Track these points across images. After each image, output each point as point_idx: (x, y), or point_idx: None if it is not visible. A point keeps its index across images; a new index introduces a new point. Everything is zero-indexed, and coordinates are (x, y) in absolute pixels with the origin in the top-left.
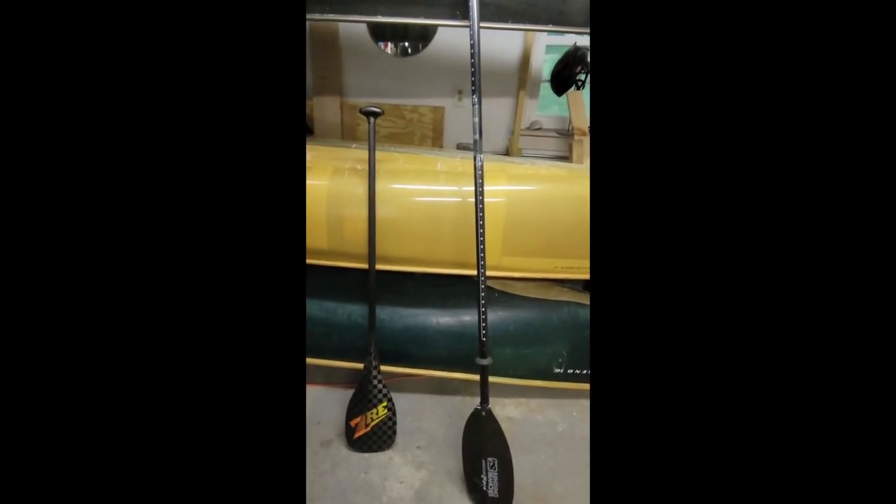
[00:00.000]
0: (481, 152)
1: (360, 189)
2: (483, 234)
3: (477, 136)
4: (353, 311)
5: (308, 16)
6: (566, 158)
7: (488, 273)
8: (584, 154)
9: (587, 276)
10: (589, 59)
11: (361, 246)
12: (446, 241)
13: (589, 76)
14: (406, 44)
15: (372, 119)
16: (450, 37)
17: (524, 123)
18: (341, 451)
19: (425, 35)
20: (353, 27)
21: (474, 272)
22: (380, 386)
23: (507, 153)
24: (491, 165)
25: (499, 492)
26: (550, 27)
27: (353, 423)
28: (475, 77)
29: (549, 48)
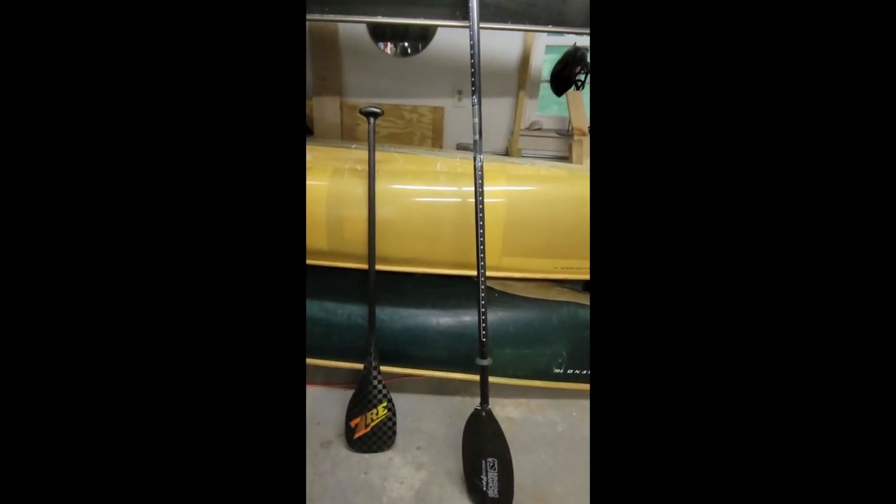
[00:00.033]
0: (481, 153)
1: (360, 189)
2: (483, 235)
3: (477, 137)
4: (352, 312)
5: (308, 16)
6: (566, 159)
7: (488, 273)
8: (584, 154)
9: (587, 277)
10: (588, 60)
11: (361, 246)
12: (446, 241)
13: (588, 76)
14: (406, 44)
15: (372, 119)
16: (450, 37)
17: (524, 124)
18: (341, 451)
19: (425, 35)
20: (353, 27)
21: (474, 272)
22: (380, 386)
23: (507, 153)
24: (491, 166)
25: (499, 492)
26: (550, 28)
27: (353, 423)
28: (475, 77)
29: (549, 48)
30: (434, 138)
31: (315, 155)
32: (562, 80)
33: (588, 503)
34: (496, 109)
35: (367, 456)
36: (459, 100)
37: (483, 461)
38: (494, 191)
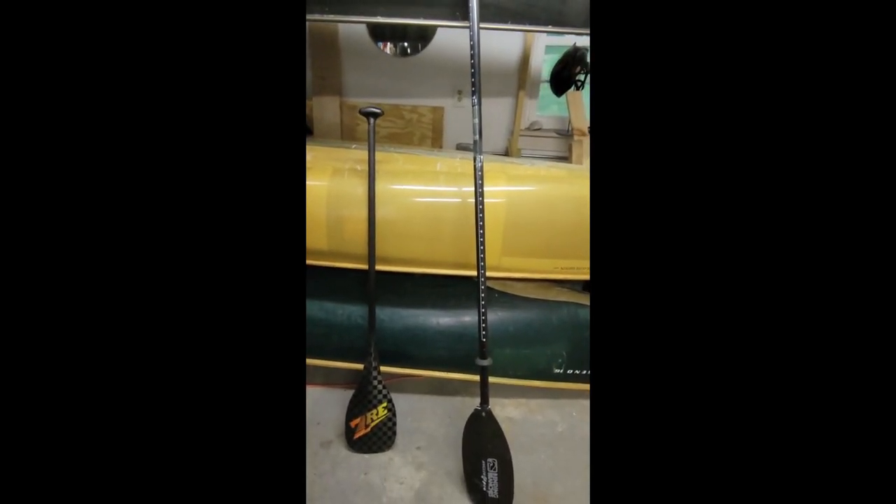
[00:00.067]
0: (481, 153)
1: (360, 190)
2: (483, 235)
3: (477, 137)
4: (352, 312)
5: (308, 16)
6: (565, 159)
7: (488, 273)
8: (584, 154)
9: (587, 277)
10: (588, 60)
11: (361, 246)
12: (446, 241)
13: (588, 76)
14: (405, 44)
15: (371, 119)
16: (450, 37)
17: (524, 124)
18: (341, 451)
19: (425, 35)
20: (353, 27)
21: (474, 273)
22: (380, 387)
23: (507, 153)
24: (491, 166)
25: (499, 492)
26: (550, 28)
27: (352, 423)
28: (475, 78)
29: (549, 48)
30: (434, 138)
31: (315, 155)
32: (562, 80)
33: (588, 503)
34: (496, 109)
35: (367, 456)
36: (459, 100)
37: (483, 461)
38: (494, 191)
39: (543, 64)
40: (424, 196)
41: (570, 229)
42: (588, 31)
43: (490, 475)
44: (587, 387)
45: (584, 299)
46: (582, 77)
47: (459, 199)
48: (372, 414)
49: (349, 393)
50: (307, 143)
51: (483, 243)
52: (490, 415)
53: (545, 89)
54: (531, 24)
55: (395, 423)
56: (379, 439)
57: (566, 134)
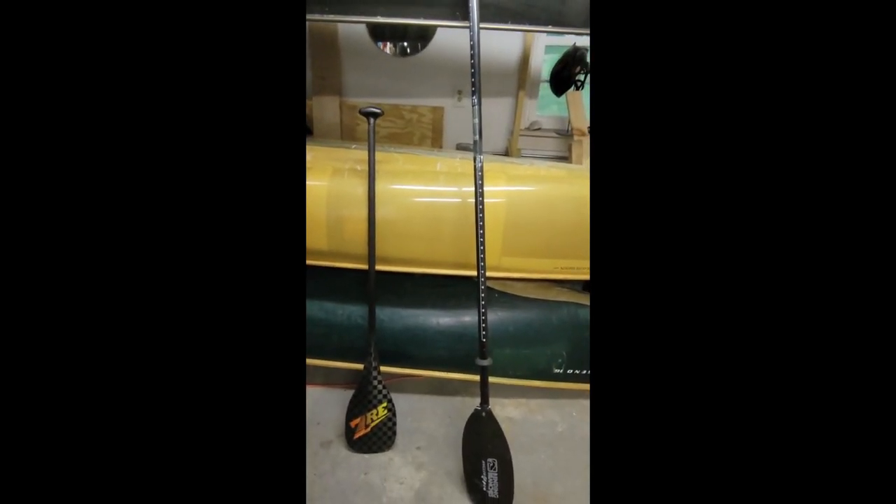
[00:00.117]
0: (481, 153)
1: (360, 190)
2: (483, 235)
3: (477, 137)
4: (352, 312)
5: (308, 16)
6: (565, 159)
7: (488, 273)
8: (584, 154)
9: (587, 277)
10: (588, 60)
11: (361, 246)
12: (446, 241)
13: (588, 76)
14: (405, 44)
15: (371, 119)
16: (449, 37)
17: (524, 124)
18: (341, 451)
19: (425, 35)
20: (353, 27)
21: (474, 273)
22: (380, 387)
23: (507, 153)
24: (490, 166)
25: (499, 492)
26: (550, 28)
27: (352, 423)
28: (475, 78)
29: (549, 48)
30: (434, 138)
31: (315, 155)
32: (561, 80)
33: (588, 503)
34: (496, 109)
35: (367, 456)
36: (459, 100)
37: (483, 461)
38: (494, 191)
39: (543, 64)
40: (424, 196)
41: (569, 229)
42: (588, 31)
43: (490, 475)
44: (587, 387)
45: (584, 299)
46: (582, 77)
47: (459, 199)
48: (372, 414)
49: (349, 393)
50: (307, 143)
51: (483, 243)
52: (490, 415)
53: (545, 89)
54: (531, 24)
55: (395, 423)
56: (379, 439)
57: (566, 134)
